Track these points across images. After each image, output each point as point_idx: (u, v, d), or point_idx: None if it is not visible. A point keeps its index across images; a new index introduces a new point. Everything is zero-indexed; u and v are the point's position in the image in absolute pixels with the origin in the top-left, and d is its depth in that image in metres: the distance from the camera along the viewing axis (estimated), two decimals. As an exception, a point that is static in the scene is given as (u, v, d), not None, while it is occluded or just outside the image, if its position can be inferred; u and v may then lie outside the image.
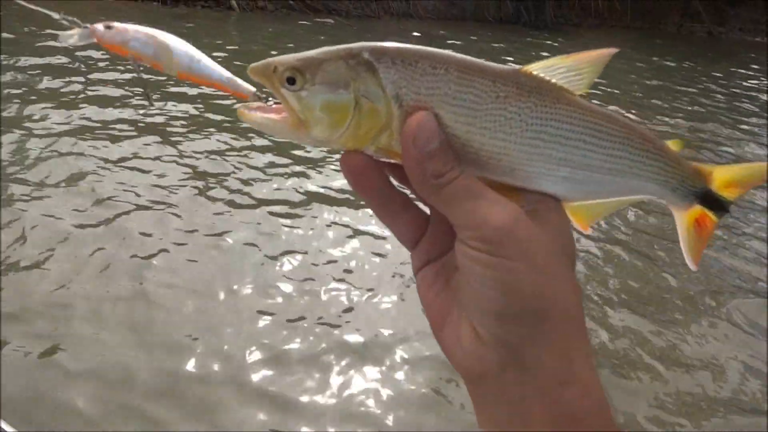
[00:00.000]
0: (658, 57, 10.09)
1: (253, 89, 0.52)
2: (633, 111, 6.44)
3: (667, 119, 6.35)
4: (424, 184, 0.42)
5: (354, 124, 0.42)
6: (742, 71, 9.78)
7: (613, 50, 0.45)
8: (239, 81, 0.52)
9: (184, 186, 3.54)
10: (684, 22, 13.94)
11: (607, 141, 0.44)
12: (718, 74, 9.26)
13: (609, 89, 7.19)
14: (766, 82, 9.08)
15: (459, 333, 0.43)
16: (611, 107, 6.25)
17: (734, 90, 8.44)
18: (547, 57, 0.45)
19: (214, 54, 6.80)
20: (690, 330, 2.76)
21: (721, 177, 0.48)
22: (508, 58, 8.76)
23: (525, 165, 0.43)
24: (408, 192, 0.47)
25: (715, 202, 0.48)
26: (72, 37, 0.52)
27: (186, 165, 3.80)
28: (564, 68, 0.43)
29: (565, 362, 0.41)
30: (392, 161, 0.44)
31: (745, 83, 9.01)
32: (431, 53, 0.43)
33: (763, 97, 8.03)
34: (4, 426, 1.65)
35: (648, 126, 5.94)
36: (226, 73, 0.52)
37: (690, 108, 7.00)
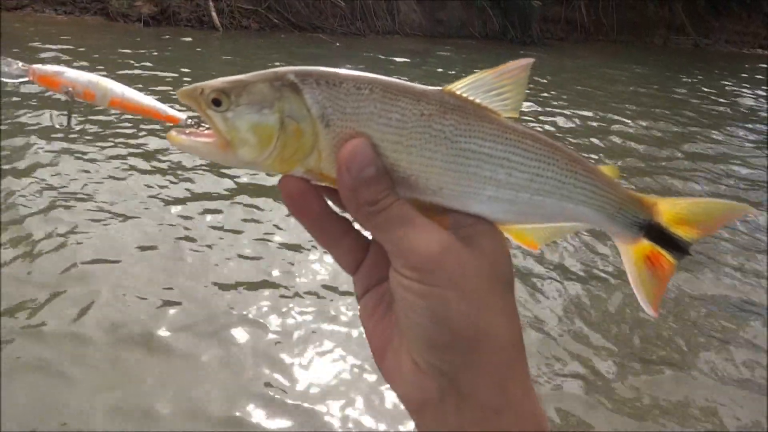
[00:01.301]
0: (639, 67, 10.24)
1: (184, 115, 0.52)
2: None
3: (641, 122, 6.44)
4: (358, 211, 0.42)
5: (280, 145, 0.43)
6: (726, 82, 9.95)
7: (529, 61, 0.45)
8: (168, 108, 0.53)
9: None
10: (670, 35, 14.22)
11: (532, 160, 0.44)
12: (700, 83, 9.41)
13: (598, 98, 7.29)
14: (747, 90, 9.24)
15: (400, 363, 0.43)
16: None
17: (713, 98, 8.59)
18: (472, 72, 0.45)
19: (197, 73, 6.85)
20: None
21: (668, 210, 0.47)
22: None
23: (451, 184, 0.43)
24: (348, 216, 0.46)
25: (667, 240, 0.46)
26: (11, 75, 0.53)
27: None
28: (486, 86, 0.44)
29: (499, 390, 0.41)
30: (325, 185, 0.44)
31: (724, 90, 9.18)
32: (355, 75, 0.43)
33: (746, 103, 8.16)
34: None
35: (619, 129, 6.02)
36: (156, 102, 0.53)
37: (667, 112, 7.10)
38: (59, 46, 7.28)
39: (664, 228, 0.46)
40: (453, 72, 8.67)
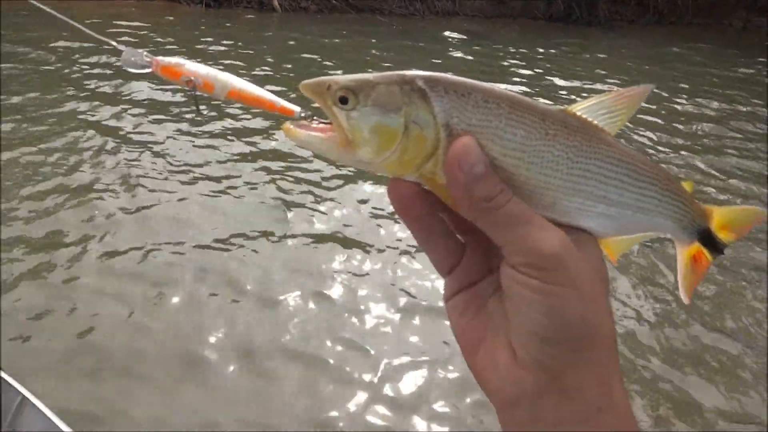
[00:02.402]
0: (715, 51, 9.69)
1: (298, 109, 0.55)
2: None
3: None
4: (474, 207, 0.43)
5: (401, 148, 0.44)
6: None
7: (648, 87, 0.47)
8: (283, 101, 0.55)
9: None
10: (751, 17, 13.38)
11: (641, 181, 0.47)
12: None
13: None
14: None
15: (494, 358, 0.44)
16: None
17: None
18: (590, 96, 0.48)
19: (261, 55, 6.99)
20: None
21: (719, 218, 0.52)
22: (548, 63, 8.61)
23: (566, 200, 0.45)
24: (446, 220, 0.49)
25: (711, 242, 0.52)
26: (136, 65, 0.57)
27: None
28: (604, 109, 0.47)
29: (605, 389, 0.42)
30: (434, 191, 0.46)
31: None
32: (483, 87, 0.45)
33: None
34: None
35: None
36: (271, 94, 0.56)
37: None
38: (132, 32, 7.60)
39: (713, 233, 0.52)
40: (512, 60, 8.47)
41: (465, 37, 9.70)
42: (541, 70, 7.81)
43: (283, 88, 6.01)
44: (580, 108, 0.46)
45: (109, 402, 2.16)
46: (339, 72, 6.76)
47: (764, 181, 4.66)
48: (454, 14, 11.65)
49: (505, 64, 8.07)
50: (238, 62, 6.65)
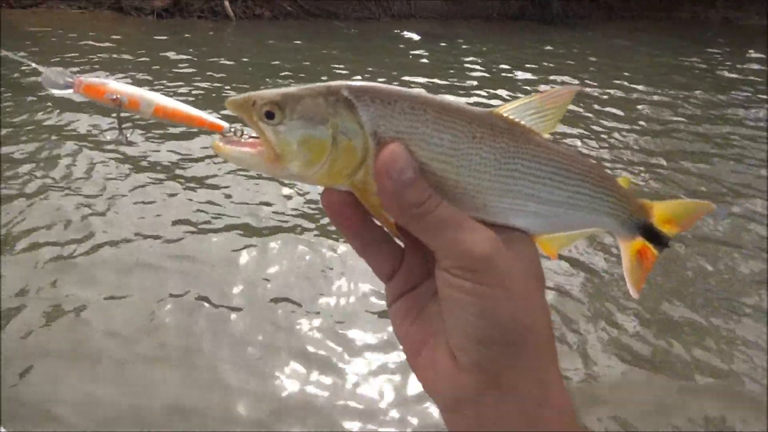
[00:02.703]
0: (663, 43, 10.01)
1: (227, 124, 0.53)
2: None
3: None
4: (404, 213, 0.43)
5: (331, 160, 0.44)
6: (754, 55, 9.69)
7: (575, 88, 0.49)
8: (211, 116, 0.54)
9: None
10: (697, 9, 13.88)
11: (572, 179, 0.48)
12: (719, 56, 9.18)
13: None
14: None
15: (435, 361, 0.45)
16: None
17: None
18: (515, 98, 0.49)
19: (214, 65, 6.90)
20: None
21: (660, 212, 0.53)
22: (504, 61, 8.76)
23: (497, 201, 0.46)
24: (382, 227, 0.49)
25: (655, 236, 0.53)
26: (59, 86, 0.55)
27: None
28: (532, 110, 0.47)
29: (542, 385, 0.43)
30: (364, 201, 0.46)
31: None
32: (410, 93, 0.45)
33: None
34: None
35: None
36: (198, 111, 0.55)
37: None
38: (81, 42, 7.41)
39: (654, 228, 0.53)
40: (469, 59, 8.58)
41: (422, 38, 9.78)
42: (497, 68, 7.92)
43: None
44: (508, 109, 0.47)
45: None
46: (300, 78, 6.75)
47: (716, 169, 4.81)
48: (410, 16, 11.76)
49: (463, 63, 8.16)
50: (195, 72, 6.56)
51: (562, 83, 7.15)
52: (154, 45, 7.83)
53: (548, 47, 9.65)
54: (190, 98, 5.55)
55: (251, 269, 3.05)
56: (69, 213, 3.44)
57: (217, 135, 0.51)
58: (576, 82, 7.33)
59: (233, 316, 2.69)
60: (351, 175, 0.44)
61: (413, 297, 0.49)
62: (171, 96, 0.56)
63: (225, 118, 0.55)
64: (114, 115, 0.55)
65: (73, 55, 7.04)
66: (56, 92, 0.58)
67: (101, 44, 7.57)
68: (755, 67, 8.99)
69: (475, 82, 7.04)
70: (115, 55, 7.07)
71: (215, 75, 6.52)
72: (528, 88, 6.92)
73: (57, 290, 2.78)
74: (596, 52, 9.42)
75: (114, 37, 7.99)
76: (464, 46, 9.19)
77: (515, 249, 0.45)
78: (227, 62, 7.27)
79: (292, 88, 0.45)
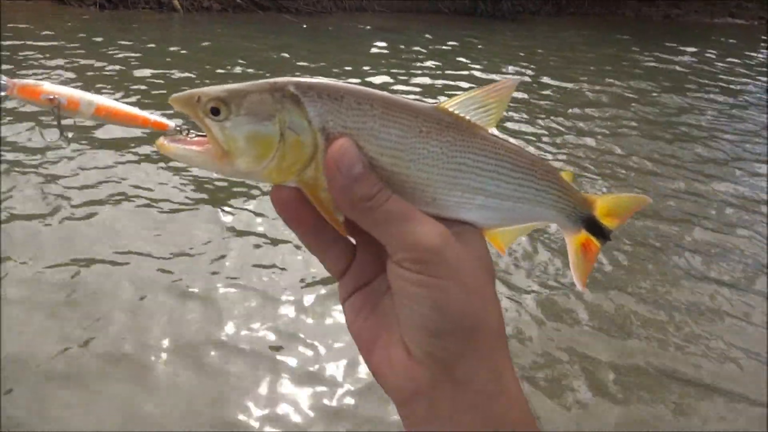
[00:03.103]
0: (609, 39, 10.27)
1: (173, 123, 0.53)
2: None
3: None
4: (354, 207, 0.44)
5: (279, 156, 0.44)
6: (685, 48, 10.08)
7: (515, 81, 0.50)
8: (154, 115, 0.54)
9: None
10: (642, 6, 14.38)
11: (517, 172, 0.49)
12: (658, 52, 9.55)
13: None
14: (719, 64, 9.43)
15: (389, 355, 0.46)
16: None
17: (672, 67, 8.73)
18: (461, 92, 0.50)
19: (161, 59, 6.72)
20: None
21: (602, 205, 0.55)
22: (455, 55, 8.87)
23: (445, 195, 0.47)
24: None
25: (597, 229, 0.55)
26: None
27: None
28: (475, 104, 0.48)
29: (495, 375, 0.44)
30: (313, 198, 0.46)
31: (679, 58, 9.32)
32: (356, 89, 0.46)
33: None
34: None
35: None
36: (141, 111, 0.55)
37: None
38: (16, 35, 7.06)
39: (597, 221, 0.55)
40: (421, 53, 8.64)
41: (374, 32, 9.77)
42: (447, 62, 8.00)
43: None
44: (452, 104, 0.48)
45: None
46: (250, 72, 6.63)
47: (656, 160, 5.02)
48: (362, 10, 11.71)
49: (415, 56, 8.20)
50: (138, 67, 6.36)
51: (509, 76, 7.28)
52: (95, 38, 7.54)
53: (496, 42, 9.81)
54: (134, 96, 5.37)
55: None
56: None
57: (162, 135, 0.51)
58: (517, 74, 7.48)
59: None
60: (300, 171, 0.45)
61: (366, 293, 0.50)
62: (113, 95, 0.56)
63: (174, 117, 0.55)
64: (52, 117, 0.55)
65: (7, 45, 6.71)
66: None
67: (38, 38, 7.25)
68: (688, 60, 9.40)
69: (427, 79, 7.09)
70: (49, 52, 6.78)
71: (161, 71, 6.34)
72: (479, 81, 7.02)
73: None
74: (544, 47, 9.63)
75: (47, 32, 7.65)
76: (416, 41, 9.23)
77: (465, 241, 0.46)
78: (172, 57, 7.08)
79: (238, 84, 0.45)
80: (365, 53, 8.36)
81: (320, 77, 0.48)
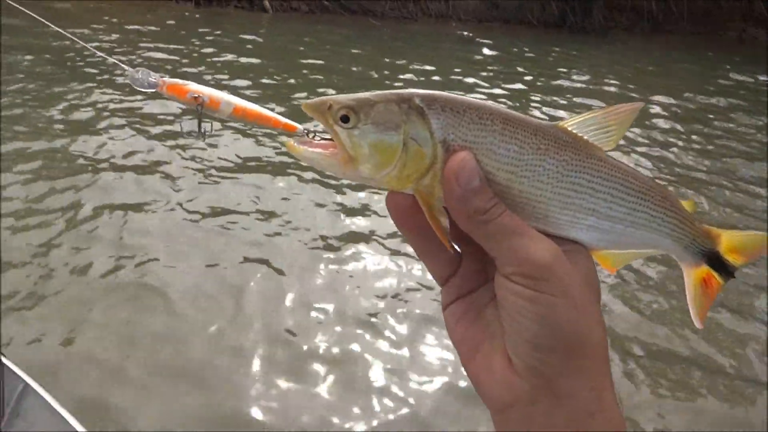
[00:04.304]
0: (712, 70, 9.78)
1: (301, 126, 0.58)
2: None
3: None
4: (468, 219, 0.46)
5: (400, 164, 0.47)
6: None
7: (639, 105, 0.50)
8: (284, 118, 0.59)
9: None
10: (747, 26, 13.60)
11: (632, 196, 0.49)
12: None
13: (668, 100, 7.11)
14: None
15: (490, 364, 0.47)
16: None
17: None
18: (580, 113, 0.51)
19: (249, 58, 7.01)
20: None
21: (728, 241, 0.53)
22: (541, 69, 8.69)
23: (557, 212, 0.48)
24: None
25: (721, 265, 0.53)
26: (144, 85, 0.61)
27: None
28: (595, 125, 0.49)
29: (595, 394, 0.45)
30: (427, 206, 0.48)
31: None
32: (478, 104, 0.48)
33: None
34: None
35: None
36: (273, 113, 0.60)
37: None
38: (122, 32, 7.58)
39: (722, 256, 0.53)
40: (497, 67, 8.55)
41: (459, 40, 9.78)
42: (532, 76, 7.89)
43: (276, 92, 6.04)
44: (572, 123, 0.49)
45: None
46: (332, 79, 6.81)
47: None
48: (447, 17, 11.74)
49: (499, 69, 8.15)
50: (232, 63, 6.68)
51: (600, 104, 7.09)
52: (190, 33, 7.98)
53: (586, 58, 9.55)
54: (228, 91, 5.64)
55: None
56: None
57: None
58: (602, 89, 7.24)
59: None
60: (418, 180, 0.47)
61: (468, 301, 0.51)
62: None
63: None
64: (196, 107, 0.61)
65: (114, 39, 7.22)
66: (142, 90, 0.64)
67: (142, 30, 7.75)
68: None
69: (512, 89, 7.02)
70: (150, 44, 7.22)
71: (254, 67, 6.62)
72: (558, 100, 6.88)
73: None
74: (639, 65, 9.30)
75: (153, 23, 8.15)
76: (501, 52, 9.15)
77: (574, 260, 0.47)
78: (260, 55, 7.36)
79: (366, 94, 0.49)
80: (449, 61, 8.38)
81: (441, 90, 0.51)
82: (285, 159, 4.30)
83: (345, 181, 3.38)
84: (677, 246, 0.52)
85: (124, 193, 3.66)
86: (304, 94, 6.10)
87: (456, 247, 0.51)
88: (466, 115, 0.47)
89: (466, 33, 10.41)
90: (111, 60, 0.70)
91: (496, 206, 0.46)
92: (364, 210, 3.78)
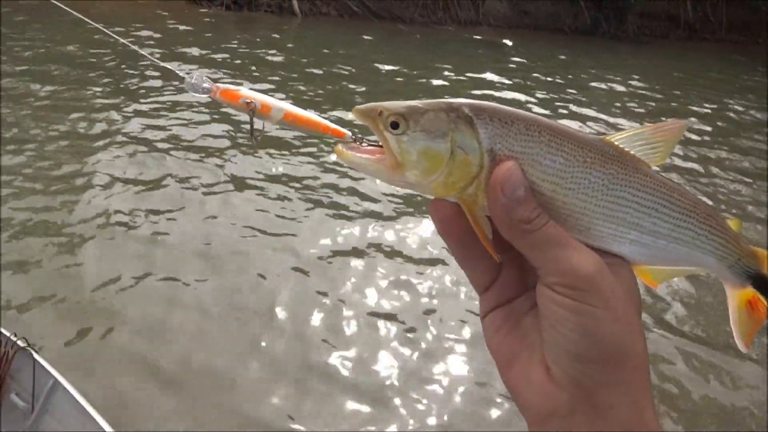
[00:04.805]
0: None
1: (349, 132, 0.58)
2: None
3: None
4: (513, 229, 0.46)
5: (446, 172, 0.47)
6: None
7: (686, 122, 0.51)
8: (335, 124, 0.60)
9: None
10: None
11: (676, 212, 0.49)
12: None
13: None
14: None
15: (529, 373, 0.47)
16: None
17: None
18: (625, 129, 0.51)
19: (276, 59, 7.10)
20: None
21: None
22: (573, 76, 8.61)
23: (600, 225, 0.48)
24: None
25: (767, 288, 0.52)
26: (197, 90, 0.62)
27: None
28: (642, 141, 0.50)
29: (636, 408, 0.44)
30: (470, 214, 0.49)
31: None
32: (525, 115, 0.48)
33: None
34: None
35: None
36: (323, 119, 0.60)
37: None
38: (155, 30, 7.76)
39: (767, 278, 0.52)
40: (527, 73, 8.49)
41: (487, 47, 9.76)
42: (563, 83, 7.84)
43: (309, 95, 6.10)
44: (618, 138, 0.49)
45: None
46: (359, 82, 6.85)
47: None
48: (477, 24, 11.73)
49: (530, 76, 8.10)
50: (262, 66, 6.77)
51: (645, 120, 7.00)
52: (221, 36, 8.12)
53: (619, 67, 9.43)
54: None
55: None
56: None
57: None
58: (686, 113, 7.11)
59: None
60: (463, 188, 0.47)
61: (507, 310, 0.51)
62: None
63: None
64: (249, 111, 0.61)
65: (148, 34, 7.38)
66: (196, 95, 0.65)
67: (178, 31, 7.91)
68: None
69: (545, 96, 6.98)
70: (185, 45, 7.37)
71: (284, 70, 6.70)
72: (591, 109, 6.79)
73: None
74: (675, 75, 9.14)
75: (186, 24, 8.31)
76: (532, 60, 9.11)
77: (616, 273, 0.47)
78: (294, 60, 7.45)
79: (417, 102, 0.49)
80: (477, 66, 8.37)
81: (489, 102, 0.51)
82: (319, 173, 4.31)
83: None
84: (721, 265, 0.52)
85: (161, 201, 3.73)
86: (330, 96, 6.16)
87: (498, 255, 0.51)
88: (513, 125, 0.47)
89: (495, 39, 10.37)
90: (164, 65, 0.70)
91: (540, 216, 0.46)
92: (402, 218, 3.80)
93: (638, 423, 0.44)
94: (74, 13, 1.27)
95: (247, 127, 0.64)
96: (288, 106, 0.64)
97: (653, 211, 0.49)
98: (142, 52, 0.71)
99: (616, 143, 0.49)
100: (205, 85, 0.65)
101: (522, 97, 6.96)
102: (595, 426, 0.44)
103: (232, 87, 0.64)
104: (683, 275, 0.54)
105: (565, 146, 0.48)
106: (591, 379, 0.44)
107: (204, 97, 0.64)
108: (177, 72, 0.67)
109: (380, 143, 0.50)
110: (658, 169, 0.50)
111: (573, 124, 6.03)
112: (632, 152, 0.49)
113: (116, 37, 0.98)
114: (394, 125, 0.48)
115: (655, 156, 0.50)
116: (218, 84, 0.64)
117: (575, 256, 0.45)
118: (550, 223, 0.46)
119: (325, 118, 0.64)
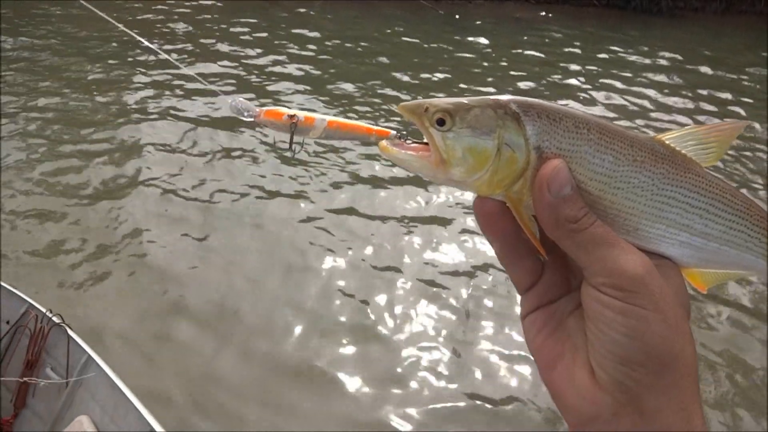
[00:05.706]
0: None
1: (394, 130, 0.59)
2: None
3: None
4: (558, 228, 0.46)
5: (492, 169, 0.47)
6: None
7: (743, 123, 0.50)
8: (377, 126, 0.61)
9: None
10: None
11: (729, 213, 0.48)
12: None
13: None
14: None
15: (572, 376, 0.46)
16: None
17: None
18: (680, 127, 0.50)
19: (303, 44, 7.08)
20: None
21: None
22: (605, 54, 8.41)
23: (648, 226, 0.48)
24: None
25: None
26: (242, 113, 0.65)
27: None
28: (694, 141, 0.49)
29: (684, 414, 0.43)
30: (516, 212, 0.49)
31: None
32: (574, 113, 0.48)
33: None
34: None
35: None
36: (365, 123, 0.62)
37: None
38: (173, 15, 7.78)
39: None
40: (566, 49, 8.33)
41: (517, 22, 9.58)
42: (595, 62, 7.67)
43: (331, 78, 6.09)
44: (670, 137, 0.49)
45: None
46: (383, 62, 6.81)
47: None
48: None
49: (559, 53, 7.95)
50: (285, 49, 6.77)
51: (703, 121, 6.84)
52: (241, 18, 8.12)
53: (652, 43, 9.17)
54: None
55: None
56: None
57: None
58: (666, 77, 6.95)
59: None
60: (509, 185, 0.48)
61: (549, 311, 0.51)
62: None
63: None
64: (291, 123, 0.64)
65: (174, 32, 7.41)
66: (241, 118, 0.67)
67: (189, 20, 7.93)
68: None
69: (573, 80, 6.86)
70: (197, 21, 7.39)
71: (306, 53, 6.67)
72: (622, 88, 6.65)
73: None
74: (712, 51, 8.85)
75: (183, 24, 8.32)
76: (561, 36, 8.92)
77: (665, 275, 0.46)
78: (316, 42, 7.43)
79: (463, 99, 0.49)
80: (504, 41, 8.24)
81: (533, 97, 0.51)
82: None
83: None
84: None
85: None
86: (354, 78, 6.14)
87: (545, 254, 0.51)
88: (561, 123, 0.47)
89: (520, 15, 10.19)
90: (208, 85, 0.73)
91: (587, 216, 0.46)
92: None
93: (685, 428, 0.43)
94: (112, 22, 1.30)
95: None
96: (330, 117, 0.66)
97: (704, 212, 0.48)
98: (190, 72, 0.74)
99: (667, 142, 0.49)
100: (250, 112, 0.67)
101: (551, 76, 6.84)
102: (640, 430, 0.43)
103: (273, 107, 0.66)
104: (733, 279, 0.54)
105: (615, 144, 0.47)
106: (637, 383, 0.43)
107: (248, 120, 0.66)
108: (220, 92, 0.70)
109: (425, 140, 0.50)
110: (710, 169, 0.50)
111: (604, 101, 5.92)
112: (684, 152, 0.49)
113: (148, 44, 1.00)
114: (440, 122, 0.48)
115: (707, 156, 0.49)
116: (263, 108, 0.67)
117: (623, 256, 0.44)
118: (598, 222, 0.46)
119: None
